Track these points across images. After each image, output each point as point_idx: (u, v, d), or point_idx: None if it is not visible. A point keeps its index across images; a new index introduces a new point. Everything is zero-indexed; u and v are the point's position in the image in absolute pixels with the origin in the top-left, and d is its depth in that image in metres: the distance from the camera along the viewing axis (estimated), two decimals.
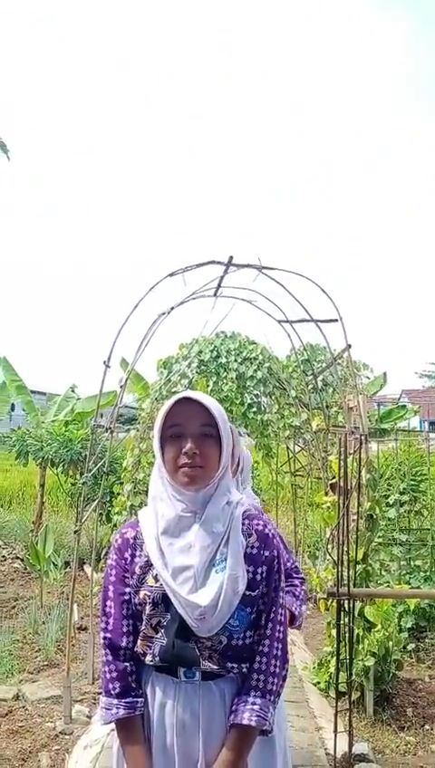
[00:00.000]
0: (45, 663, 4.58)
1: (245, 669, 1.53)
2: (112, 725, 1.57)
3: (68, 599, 5.24)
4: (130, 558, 1.58)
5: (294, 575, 2.45)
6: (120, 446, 6.97)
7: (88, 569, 6.64)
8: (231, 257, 4.75)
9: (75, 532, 4.18)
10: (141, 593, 1.53)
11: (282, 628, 1.57)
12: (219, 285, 5.09)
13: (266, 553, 1.56)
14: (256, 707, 1.49)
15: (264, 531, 1.57)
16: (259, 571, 1.54)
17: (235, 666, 1.52)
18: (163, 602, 1.51)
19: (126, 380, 5.00)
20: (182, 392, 1.56)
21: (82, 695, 4.01)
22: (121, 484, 5.96)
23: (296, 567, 2.50)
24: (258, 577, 1.54)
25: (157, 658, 1.52)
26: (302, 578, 2.48)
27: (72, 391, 10.84)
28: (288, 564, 2.39)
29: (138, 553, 1.57)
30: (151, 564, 1.53)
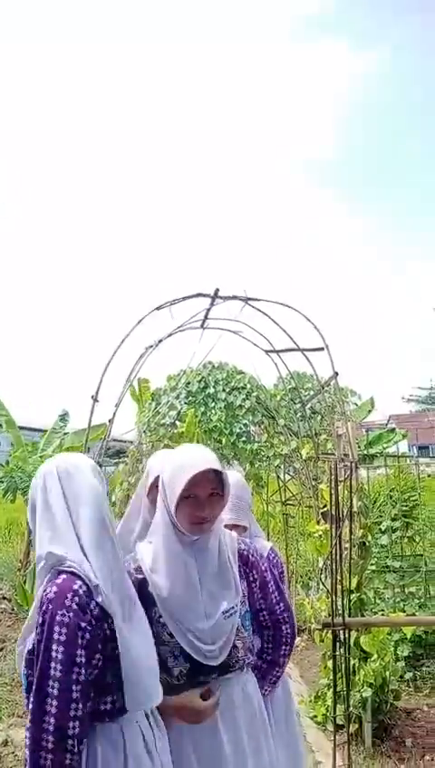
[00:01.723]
0: None
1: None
2: None
3: None
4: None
5: (283, 625, 2.14)
6: (108, 481, 6.90)
7: None
8: (217, 290, 4.81)
9: None
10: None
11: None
12: (206, 317, 5.14)
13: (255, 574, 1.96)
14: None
15: (247, 556, 1.95)
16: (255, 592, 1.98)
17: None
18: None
19: (114, 414, 4.98)
20: (200, 460, 1.79)
21: None
22: None
23: (286, 616, 2.15)
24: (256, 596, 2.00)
25: None
26: (290, 629, 2.16)
27: (62, 419, 10.69)
28: (278, 609, 2.14)
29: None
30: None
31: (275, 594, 2.14)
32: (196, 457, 1.82)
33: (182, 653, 1.75)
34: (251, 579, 1.93)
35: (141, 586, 1.78)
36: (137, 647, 1.53)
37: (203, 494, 1.79)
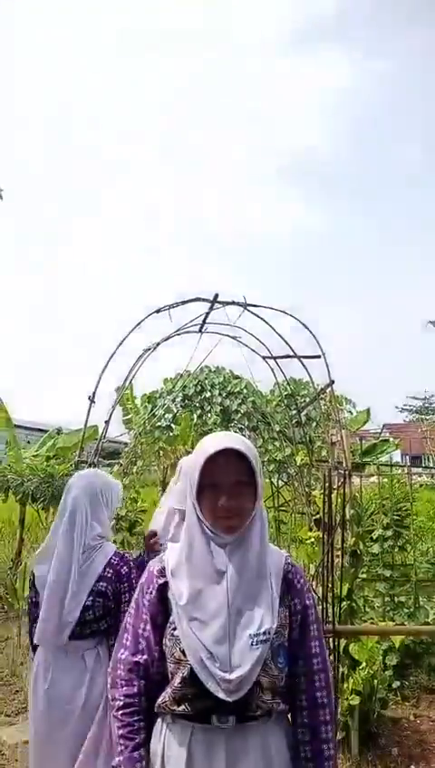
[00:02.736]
0: (24, 706, 4.45)
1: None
2: None
3: None
4: None
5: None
6: None
7: None
8: (216, 294, 4.84)
9: None
10: None
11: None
12: (204, 322, 5.17)
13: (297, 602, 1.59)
14: None
15: (293, 580, 1.59)
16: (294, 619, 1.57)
17: None
18: None
19: (110, 415, 5.00)
20: (214, 442, 1.56)
21: None
22: None
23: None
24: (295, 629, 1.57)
25: None
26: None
27: (58, 434, 10.75)
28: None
29: None
30: None
31: (316, 643, 1.60)
32: (217, 439, 1.57)
33: (193, 678, 1.45)
34: (292, 609, 1.56)
35: (161, 591, 1.57)
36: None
37: (225, 481, 1.53)
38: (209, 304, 4.90)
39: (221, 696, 1.41)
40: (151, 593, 1.58)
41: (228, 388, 6.28)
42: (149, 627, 1.57)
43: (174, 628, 1.50)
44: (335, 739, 1.65)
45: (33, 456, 9.67)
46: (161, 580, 1.58)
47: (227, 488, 1.52)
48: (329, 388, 5.00)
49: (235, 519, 1.52)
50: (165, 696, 1.51)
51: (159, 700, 1.52)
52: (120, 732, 1.53)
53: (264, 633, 1.45)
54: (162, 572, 1.59)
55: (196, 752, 1.45)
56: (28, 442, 10.86)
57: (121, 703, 1.55)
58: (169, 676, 1.51)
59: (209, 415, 6.26)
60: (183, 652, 1.46)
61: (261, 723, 1.47)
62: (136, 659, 1.57)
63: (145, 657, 1.56)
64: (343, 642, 3.61)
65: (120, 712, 1.55)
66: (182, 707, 1.47)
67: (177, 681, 1.47)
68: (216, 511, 1.52)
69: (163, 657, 1.53)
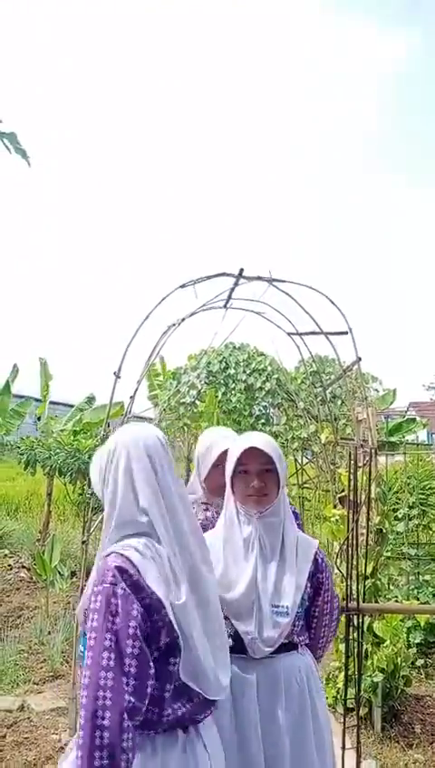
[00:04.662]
0: (51, 674, 4.56)
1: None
2: None
3: (74, 609, 5.22)
4: None
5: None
6: None
7: None
8: (241, 269, 4.76)
9: (83, 542, 4.17)
10: None
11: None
12: (229, 297, 5.10)
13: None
14: None
15: (321, 562, 2.00)
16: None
17: None
18: None
19: (135, 392, 4.99)
20: (248, 440, 1.94)
21: None
22: None
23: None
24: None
25: None
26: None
27: (89, 402, 10.81)
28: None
29: None
30: None
31: (327, 585, 2.03)
32: (249, 438, 1.97)
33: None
34: (315, 583, 1.96)
35: None
36: None
37: (254, 468, 1.91)
38: (235, 279, 4.84)
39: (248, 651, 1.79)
40: None
41: (253, 366, 6.24)
42: None
43: None
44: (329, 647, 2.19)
45: (61, 430, 9.78)
46: None
47: (255, 473, 1.91)
48: (356, 366, 4.93)
49: (263, 498, 1.90)
50: None
51: None
52: None
53: (286, 606, 1.80)
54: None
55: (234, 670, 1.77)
56: (56, 416, 10.98)
57: None
58: None
59: (233, 392, 6.23)
60: None
61: (288, 653, 1.85)
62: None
63: None
64: (367, 620, 3.60)
65: None
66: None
67: None
68: (247, 491, 1.91)
69: None
